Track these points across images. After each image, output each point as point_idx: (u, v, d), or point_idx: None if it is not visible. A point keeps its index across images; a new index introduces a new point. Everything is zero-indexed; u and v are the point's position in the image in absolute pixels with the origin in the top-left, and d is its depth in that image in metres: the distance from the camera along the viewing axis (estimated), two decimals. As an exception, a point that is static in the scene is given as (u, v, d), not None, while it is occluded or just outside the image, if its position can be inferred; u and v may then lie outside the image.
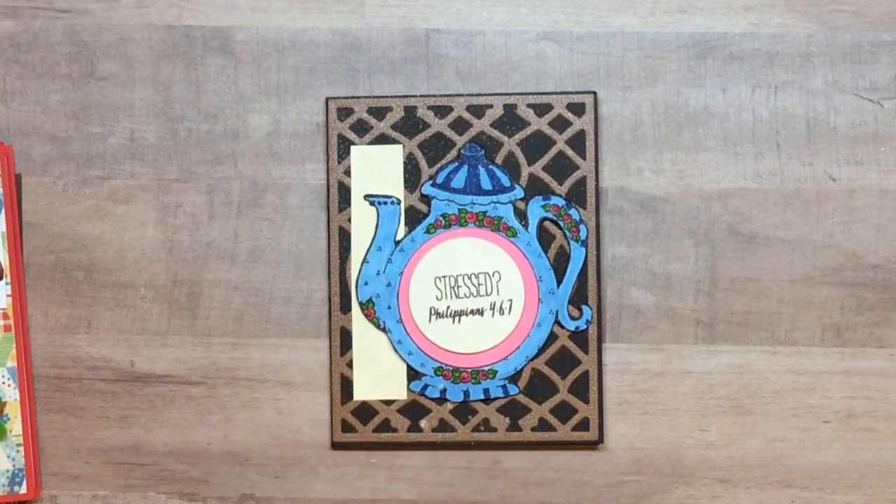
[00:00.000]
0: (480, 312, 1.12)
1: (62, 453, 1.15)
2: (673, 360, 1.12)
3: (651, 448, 1.12)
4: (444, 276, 1.12)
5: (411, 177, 1.13)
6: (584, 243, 1.12)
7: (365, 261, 1.13)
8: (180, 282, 1.14)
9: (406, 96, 1.13)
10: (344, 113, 1.13)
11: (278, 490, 1.14)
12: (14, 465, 1.13)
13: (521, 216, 1.12)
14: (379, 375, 1.13)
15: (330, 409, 1.13)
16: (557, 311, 1.12)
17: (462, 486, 1.13)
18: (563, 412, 1.12)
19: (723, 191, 1.12)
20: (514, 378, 1.12)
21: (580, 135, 1.12)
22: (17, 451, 1.13)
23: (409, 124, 1.13)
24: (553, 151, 1.12)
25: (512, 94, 1.13)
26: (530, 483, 1.13)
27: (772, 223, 1.12)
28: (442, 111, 1.13)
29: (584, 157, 1.12)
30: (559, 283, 1.12)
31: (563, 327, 1.12)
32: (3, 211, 1.14)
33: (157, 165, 1.15)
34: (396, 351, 1.13)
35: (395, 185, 1.13)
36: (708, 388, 1.12)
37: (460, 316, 1.12)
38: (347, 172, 1.13)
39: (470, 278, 1.12)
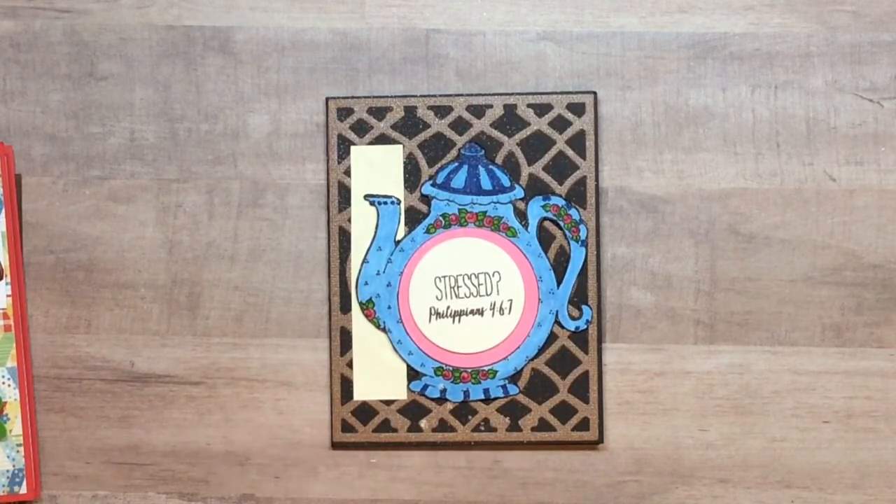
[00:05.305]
0: (480, 312, 1.12)
1: (62, 453, 1.15)
2: (673, 360, 1.12)
3: (651, 448, 1.12)
4: (444, 276, 1.12)
5: (411, 177, 1.13)
6: (584, 243, 1.12)
7: (365, 261, 1.13)
8: (180, 282, 1.14)
9: (406, 96, 1.13)
10: (344, 113, 1.13)
11: (278, 490, 1.14)
12: (14, 465, 1.13)
13: (521, 216, 1.12)
14: (379, 375, 1.13)
15: (330, 409, 1.13)
16: (557, 311, 1.12)
17: (462, 486, 1.13)
18: (563, 412, 1.12)
19: (723, 191, 1.12)
20: (514, 378, 1.12)
21: (580, 135, 1.12)
22: (17, 451, 1.13)
23: (409, 124, 1.13)
24: (553, 151, 1.12)
25: (512, 94, 1.13)
26: (530, 483, 1.13)
27: (772, 223, 1.12)
28: (442, 111, 1.13)
29: (584, 157, 1.12)
30: (559, 283, 1.12)
31: (563, 327, 1.12)
32: (3, 211, 1.14)
33: (157, 165, 1.15)
34: (396, 351, 1.13)
35: (395, 185, 1.13)
36: (708, 388, 1.12)
37: (460, 316, 1.12)
38: (347, 172, 1.13)
39: (470, 278, 1.12)
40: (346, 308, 1.13)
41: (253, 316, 1.14)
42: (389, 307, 1.13)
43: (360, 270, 1.13)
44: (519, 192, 1.12)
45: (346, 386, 1.13)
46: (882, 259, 1.11)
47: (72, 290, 1.15)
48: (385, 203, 1.13)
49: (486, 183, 1.12)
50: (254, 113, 1.14)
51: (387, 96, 1.13)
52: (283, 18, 1.14)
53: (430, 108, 1.13)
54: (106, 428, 1.14)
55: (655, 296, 1.12)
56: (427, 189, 1.13)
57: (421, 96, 1.13)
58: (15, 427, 1.13)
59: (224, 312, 1.14)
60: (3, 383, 1.13)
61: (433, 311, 1.12)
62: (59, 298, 1.15)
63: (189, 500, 1.14)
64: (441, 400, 1.13)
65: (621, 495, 1.12)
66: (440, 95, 1.13)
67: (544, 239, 1.12)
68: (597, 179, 1.12)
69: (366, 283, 1.13)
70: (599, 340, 1.12)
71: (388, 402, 1.13)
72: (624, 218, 1.12)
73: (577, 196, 1.12)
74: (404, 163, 1.13)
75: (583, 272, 1.12)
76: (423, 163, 1.13)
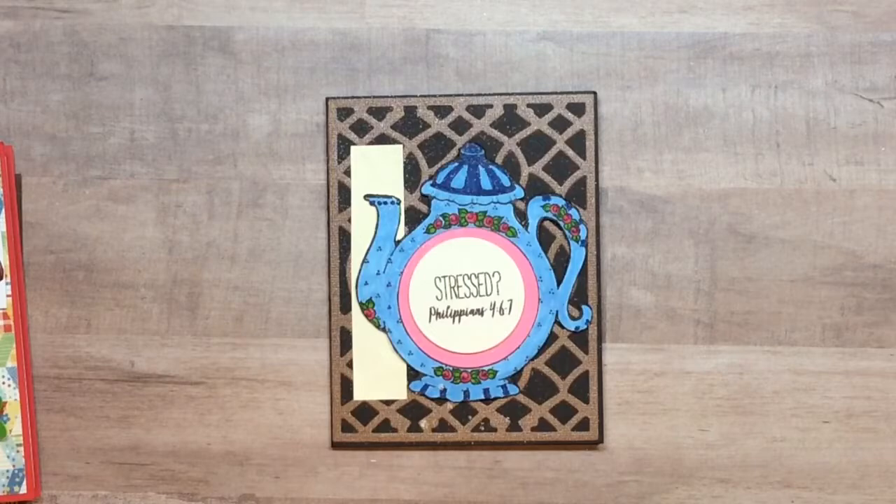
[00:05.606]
0: (480, 312, 1.12)
1: (62, 453, 1.15)
2: (673, 360, 1.12)
3: (651, 448, 1.12)
4: (444, 276, 1.12)
5: (411, 177, 1.13)
6: (584, 243, 1.12)
7: (365, 261, 1.13)
8: (180, 282, 1.14)
9: (406, 96, 1.13)
10: (344, 113, 1.13)
11: (278, 490, 1.14)
12: (14, 465, 1.13)
13: (521, 216, 1.12)
14: (379, 375, 1.13)
15: (330, 409, 1.13)
16: (557, 311, 1.12)
17: (462, 486, 1.13)
18: (563, 412, 1.12)
19: (723, 191, 1.12)
20: (514, 378, 1.12)
21: (580, 135, 1.12)
22: (17, 451, 1.13)
23: (409, 124, 1.13)
24: (553, 151, 1.12)
25: (512, 94, 1.13)
26: (530, 483, 1.13)
27: (772, 223, 1.12)
28: (442, 111, 1.13)
29: (584, 157, 1.12)
30: (559, 283, 1.12)
31: (563, 327, 1.12)
32: (3, 211, 1.14)
33: (157, 165, 1.15)
34: (396, 351, 1.13)
35: (395, 185, 1.13)
36: (708, 388, 1.12)
37: (460, 316, 1.12)
38: (347, 172, 1.13)
39: (470, 278, 1.12)
40: (346, 308, 1.13)
41: (253, 316, 1.14)
42: (389, 307, 1.13)
43: (360, 270, 1.13)
44: (519, 192, 1.12)
45: (346, 386, 1.13)
46: (882, 259, 1.11)
47: (72, 290, 1.15)
48: (385, 203, 1.13)
49: (486, 183, 1.12)
50: (254, 113, 1.14)
51: (387, 96, 1.13)
52: (283, 18, 1.14)
53: (430, 108, 1.13)
54: (106, 428, 1.14)
55: (655, 296, 1.12)
56: (427, 189, 1.13)
57: (421, 96, 1.13)
58: (15, 427, 1.13)
59: (224, 312, 1.14)
60: (3, 383, 1.13)
61: (433, 311, 1.12)
62: (59, 298, 1.15)
63: (189, 500, 1.14)
64: (441, 400, 1.13)
65: (621, 495, 1.12)
66: (440, 95, 1.13)
67: (544, 239, 1.12)
68: (597, 179, 1.12)
69: (366, 283, 1.13)
70: (599, 340, 1.12)
71: (388, 402, 1.13)
72: (624, 218, 1.12)
73: (577, 196, 1.12)
74: (404, 163, 1.13)
75: (583, 272, 1.12)
76: (423, 163, 1.13)
